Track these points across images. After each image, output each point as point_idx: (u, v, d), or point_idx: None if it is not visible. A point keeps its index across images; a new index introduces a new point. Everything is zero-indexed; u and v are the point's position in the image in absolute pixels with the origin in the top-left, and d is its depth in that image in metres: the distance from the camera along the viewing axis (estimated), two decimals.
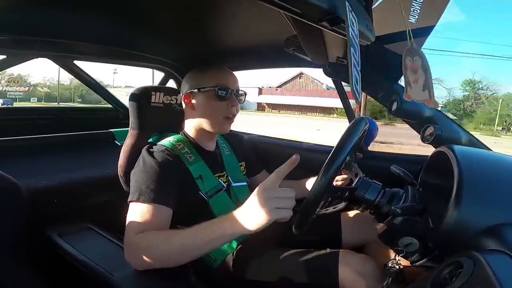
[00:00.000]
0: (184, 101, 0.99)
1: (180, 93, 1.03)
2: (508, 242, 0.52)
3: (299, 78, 33.25)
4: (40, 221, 1.00)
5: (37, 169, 1.18)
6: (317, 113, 30.66)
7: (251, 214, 0.65)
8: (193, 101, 0.97)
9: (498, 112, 30.58)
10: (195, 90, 0.96)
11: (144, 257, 0.71)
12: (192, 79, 0.98)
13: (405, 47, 0.70)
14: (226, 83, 0.95)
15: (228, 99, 0.95)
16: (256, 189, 0.66)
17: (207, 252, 0.73)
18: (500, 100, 31.71)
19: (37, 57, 1.25)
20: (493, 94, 34.44)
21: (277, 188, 0.65)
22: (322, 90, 31.89)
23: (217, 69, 0.98)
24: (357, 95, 0.48)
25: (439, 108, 0.75)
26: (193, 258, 0.71)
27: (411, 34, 0.68)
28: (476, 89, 35.22)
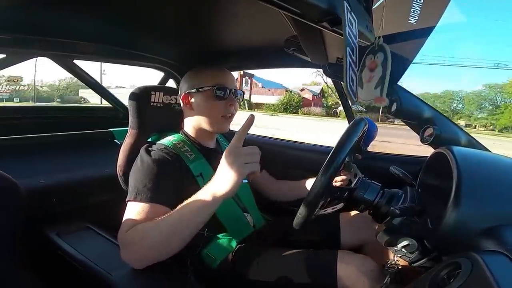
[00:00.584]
0: (182, 101, 1.00)
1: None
2: (506, 243, 0.52)
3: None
4: (39, 221, 0.99)
5: (36, 168, 1.18)
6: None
7: (224, 175, 0.69)
8: (192, 101, 0.97)
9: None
10: (193, 90, 0.96)
11: (138, 251, 0.70)
12: (190, 79, 0.99)
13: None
14: (224, 82, 0.96)
15: (226, 98, 0.95)
16: (223, 154, 0.71)
17: (197, 228, 0.71)
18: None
19: (37, 56, 1.25)
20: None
21: (241, 147, 0.70)
22: (261, 89, 34.59)
23: (215, 69, 0.99)
24: (352, 94, 0.49)
25: (385, 105, 0.74)
26: (185, 238, 0.71)
27: (382, 28, 0.68)
28: None
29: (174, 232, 0.70)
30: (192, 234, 0.72)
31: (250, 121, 0.72)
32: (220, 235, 0.95)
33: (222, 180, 0.69)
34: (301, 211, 0.75)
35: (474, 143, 1.00)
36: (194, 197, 0.71)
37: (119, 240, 0.74)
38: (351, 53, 0.48)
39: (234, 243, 0.94)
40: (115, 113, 1.85)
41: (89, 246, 0.92)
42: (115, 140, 1.46)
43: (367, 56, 0.69)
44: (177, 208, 0.72)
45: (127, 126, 1.06)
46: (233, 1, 0.76)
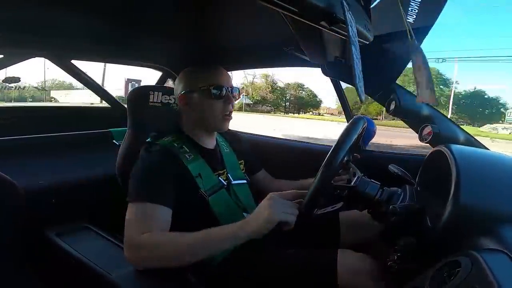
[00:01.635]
0: (180, 102, 0.99)
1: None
2: (505, 241, 0.52)
3: None
4: (38, 221, 0.99)
5: (35, 169, 1.17)
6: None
7: (260, 214, 0.74)
8: (189, 101, 0.97)
9: None
10: (190, 91, 0.96)
11: (149, 257, 0.73)
12: (185, 80, 0.98)
13: (407, 44, 0.69)
14: (220, 81, 0.95)
15: (224, 97, 0.95)
16: (266, 197, 0.77)
17: (214, 254, 0.78)
18: None
19: (34, 57, 1.25)
20: None
21: (284, 199, 0.77)
22: None
23: (210, 68, 0.98)
24: (361, 93, 0.48)
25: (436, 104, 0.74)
26: (199, 258, 0.75)
27: (411, 31, 0.68)
28: None
29: (191, 252, 0.75)
30: (207, 257, 0.76)
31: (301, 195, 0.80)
32: None
33: (257, 219, 0.74)
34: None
35: (472, 141, 1.00)
36: (225, 226, 0.77)
37: (129, 241, 0.75)
38: (355, 52, 0.48)
39: None
40: (113, 113, 1.84)
41: (89, 246, 0.92)
42: (113, 141, 1.46)
43: (412, 55, 0.69)
44: (201, 231, 0.75)
45: (126, 126, 1.05)
46: (232, 1, 0.76)
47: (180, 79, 1.00)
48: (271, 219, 0.72)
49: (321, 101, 31.38)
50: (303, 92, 31.00)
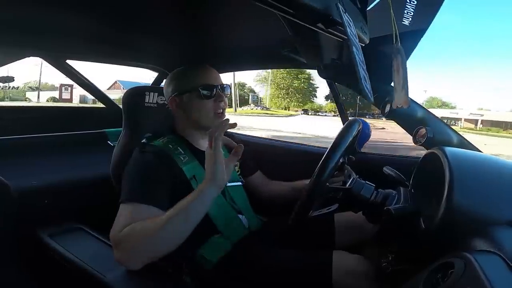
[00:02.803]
0: (170, 105, 0.99)
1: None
2: (498, 242, 0.53)
3: None
4: (31, 222, 0.98)
5: (28, 169, 1.16)
6: None
7: (209, 174, 0.74)
8: (180, 103, 0.97)
9: None
10: (180, 93, 0.95)
11: (130, 250, 0.69)
12: (173, 83, 0.98)
13: (392, 47, 0.70)
14: (209, 80, 0.95)
15: (214, 96, 0.95)
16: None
17: (191, 227, 0.72)
18: None
19: (29, 56, 1.24)
20: None
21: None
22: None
23: (197, 69, 0.98)
24: (368, 93, 0.48)
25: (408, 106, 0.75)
26: (174, 240, 0.71)
27: (397, 33, 0.68)
28: None
29: (163, 233, 0.70)
30: (187, 231, 0.72)
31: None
32: (214, 237, 0.94)
33: (208, 178, 0.74)
34: (297, 211, 0.76)
35: (465, 144, 1.01)
36: (185, 198, 0.74)
37: (111, 239, 0.73)
38: (357, 52, 0.48)
39: (229, 245, 0.94)
40: (108, 113, 1.83)
41: (83, 247, 0.91)
42: (108, 142, 1.45)
43: (394, 58, 0.69)
44: (171, 209, 0.72)
45: (121, 127, 1.05)
46: (228, 1, 0.76)
47: (168, 82, 0.99)
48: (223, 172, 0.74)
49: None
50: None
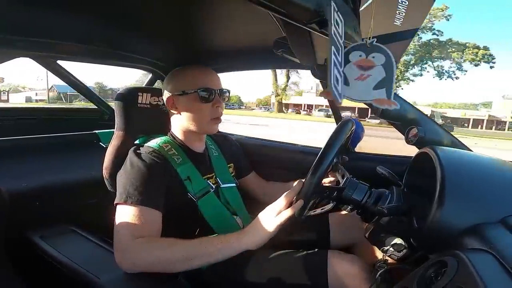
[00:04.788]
0: (167, 104, 0.98)
1: None
2: (490, 241, 0.53)
3: None
4: (22, 224, 0.97)
5: (19, 171, 1.14)
6: None
7: (256, 229, 0.79)
8: (177, 104, 0.96)
9: None
10: (178, 93, 0.94)
11: (142, 263, 0.72)
12: (173, 81, 0.97)
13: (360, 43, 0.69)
14: (209, 84, 0.93)
15: (212, 100, 0.94)
16: (264, 210, 0.82)
17: (209, 263, 0.77)
18: None
19: (18, 57, 1.21)
20: None
21: (279, 210, 0.80)
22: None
23: (198, 70, 0.96)
24: (337, 94, 0.48)
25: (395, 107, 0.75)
26: (190, 267, 0.75)
27: (372, 31, 0.68)
28: None
29: (184, 261, 0.74)
30: (199, 266, 0.77)
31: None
32: None
33: (253, 233, 0.79)
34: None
35: (456, 143, 1.03)
36: (220, 236, 0.79)
37: (120, 245, 0.74)
38: (335, 53, 0.48)
39: None
40: (99, 114, 1.81)
41: (75, 249, 0.90)
42: (100, 143, 1.43)
43: (352, 52, 0.68)
44: (198, 239, 0.77)
45: (112, 128, 1.03)
46: (222, 1, 0.75)
47: (168, 81, 0.98)
48: (269, 235, 0.78)
49: None
50: None
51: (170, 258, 0.73)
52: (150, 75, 1.63)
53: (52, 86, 41.11)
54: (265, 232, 0.77)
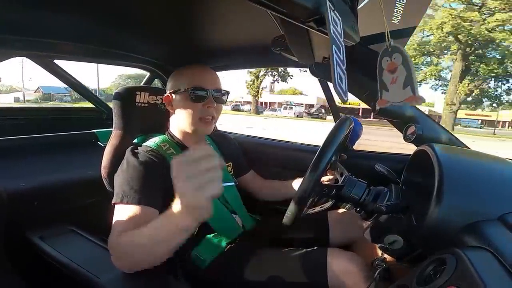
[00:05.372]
0: (165, 101, 0.98)
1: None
2: (488, 238, 0.54)
3: None
4: (21, 224, 0.97)
5: (17, 171, 1.13)
6: None
7: (181, 206, 0.56)
8: (172, 102, 0.96)
9: None
10: (173, 91, 0.94)
11: (128, 256, 0.69)
12: (172, 80, 0.97)
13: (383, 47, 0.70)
14: (202, 83, 0.91)
15: (204, 100, 0.91)
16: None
17: (177, 244, 0.64)
18: None
19: (15, 56, 1.21)
20: None
21: (189, 160, 0.53)
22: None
23: (194, 69, 0.95)
24: (342, 94, 0.48)
25: (421, 102, 0.74)
26: (168, 250, 0.66)
27: (389, 33, 0.68)
28: None
29: (160, 240, 0.64)
30: (173, 246, 0.65)
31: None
32: (209, 236, 0.94)
33: (181, 214, 0.57)
34: (291, 209, 0.76)
35: (454, 141, 1.03)
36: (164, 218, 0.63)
37: (110, 245, 0.72)
38: (337, 52, 0.47)
39: (223, 244, 0.94)
40: (98, 114, 1.81)
41: (75, 249, 0.90)
42: (98, 142, 1.43)
43: (382, 59, 0.69)
44: (156, 220, 0.66)
45: (111, 127, 1.03)
46: (220, 0, 0.75)
47: (169, 79, 0.99)
48: (195, 209, 0.55)
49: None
50: None
51: (145, 245, 0.66)
52: (148, 75, 1.63)
53: (38, 87, 41.89)
54: (191, 214, 0.56)
